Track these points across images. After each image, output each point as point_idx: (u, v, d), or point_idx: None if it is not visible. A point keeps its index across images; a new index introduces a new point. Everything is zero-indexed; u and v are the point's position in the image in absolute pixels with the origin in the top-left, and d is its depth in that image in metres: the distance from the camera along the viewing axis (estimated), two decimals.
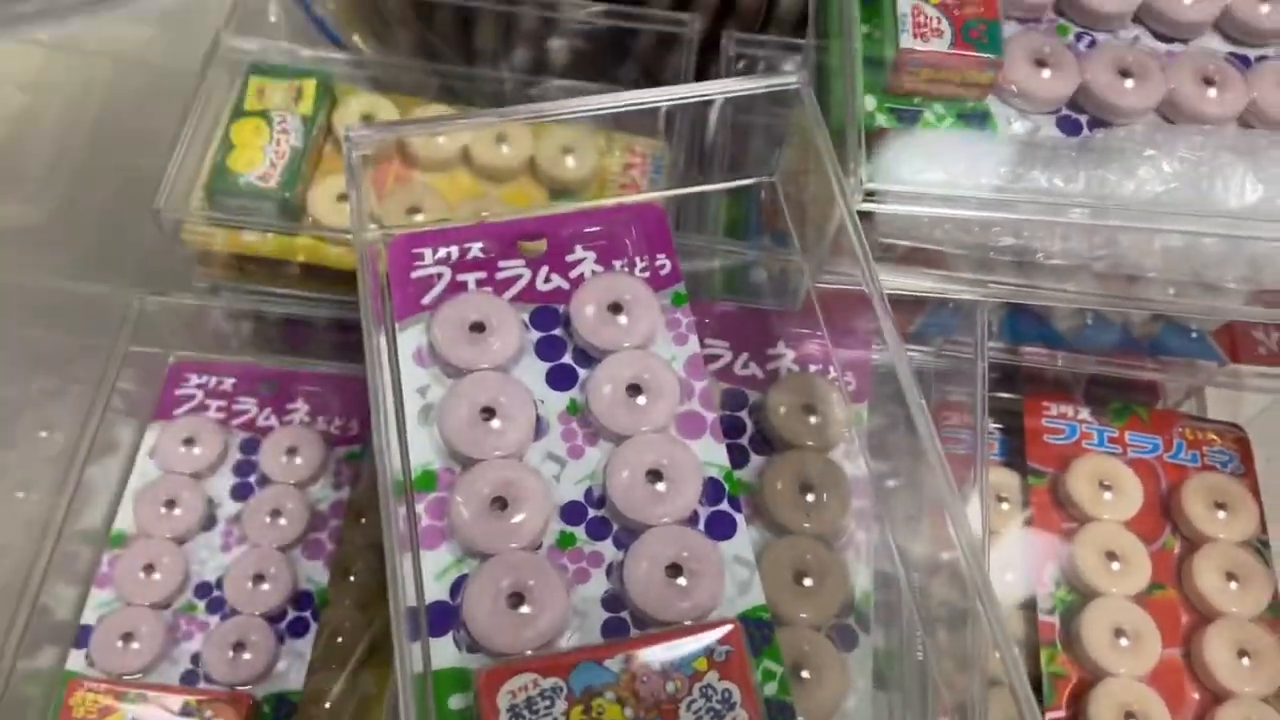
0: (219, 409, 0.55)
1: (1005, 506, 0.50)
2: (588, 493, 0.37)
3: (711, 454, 0.38)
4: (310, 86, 0.54)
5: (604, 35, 0.63)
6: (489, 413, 0.37)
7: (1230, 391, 0.53)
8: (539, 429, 0.38)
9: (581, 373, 0.39)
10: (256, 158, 0.51)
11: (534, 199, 0.55)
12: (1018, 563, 0.48)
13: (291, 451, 0.53)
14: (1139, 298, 0.43)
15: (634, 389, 0.38)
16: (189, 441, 0.53)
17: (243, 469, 0.53)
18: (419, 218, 0.51)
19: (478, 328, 0.38)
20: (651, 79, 0.66)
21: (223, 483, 0.53)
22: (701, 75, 0.61)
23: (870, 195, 0.38)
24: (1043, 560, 0.48)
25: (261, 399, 0.56)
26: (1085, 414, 0.52)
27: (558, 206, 0.44)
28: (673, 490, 0.36)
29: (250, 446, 0.54)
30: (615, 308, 0.39)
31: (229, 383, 0.56)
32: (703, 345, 0.44)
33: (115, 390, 0.54)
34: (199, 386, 0.56)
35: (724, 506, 0.37)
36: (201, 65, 0.55)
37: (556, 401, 0.38)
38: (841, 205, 0.37)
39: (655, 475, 0.36)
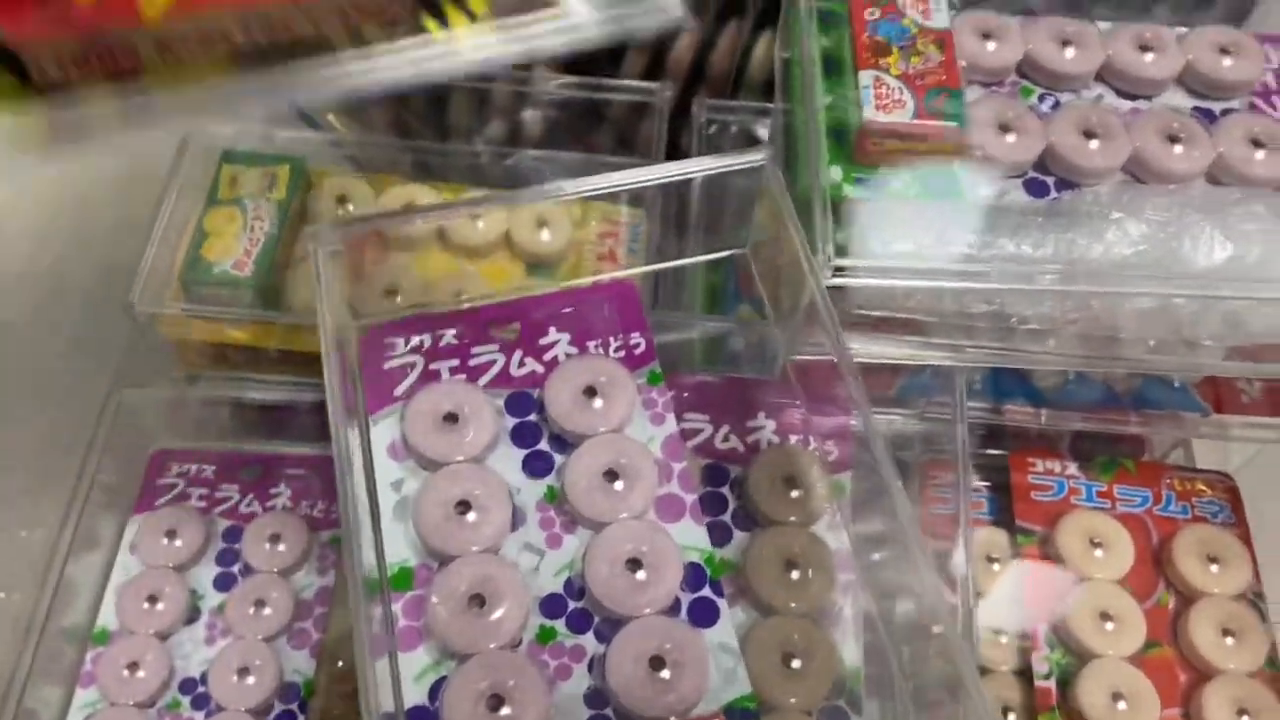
0: (201, 497, 0.55)
1: (995, 567, 0.49)
2: (567, 584, 0.36)
3: (691, 537, 0.37)
4: (284, 172, 0.54)
5: (578, 104, 0.63)
6: (464, 506, 0.36)
7: None
8: (516, 519, 0.37)
9: (558, 459, 0.39)
10: (231, 246, 0.51)
11: (511, 274, 0.55)
12: (1010, 625, 0.47)
13: (274, 539, 0.53)
14: (1118, 356, 0.43)
15: (611, 474, 0.37)
16: (170, 533, 0.53)
17: (225, 558, 0.53)
18: (397, 299, 0.51)
19: (451, 418, 0.38)
20: (625, 145, 0.66)
21: (206, 573, 0.52)
22: (675, 139, 0.62)
23: (839, 270, 0.38)
24: (1035, 622, 0.47)
25: (243, 485, 0.55)
26: (1073, 469, 0.51)
27: (530, 288, 0.44)
28: (654, 578, 0.35)
29: (233, 535, 0.53)
30: (590, 391, 0.39)
31: (210, 470, 0.55)
32: (682, 419, 0.44)
33: (96, 483, 0.53)
34: (180, 475, 0.55)
35: (706, 592, 0.36)
36: (175, 155, 0.55)
37: (533, 490, 0.38)
38: (811, 281, 0.37)
39: (635, 564, 0.36)
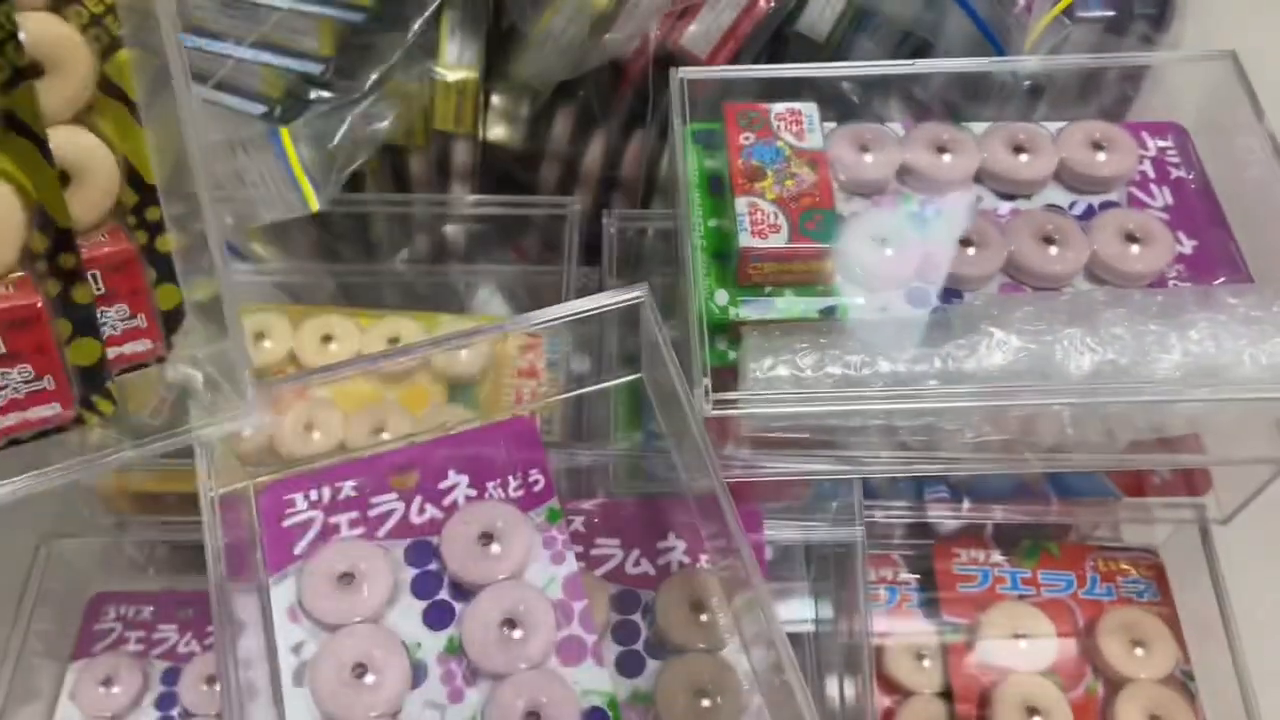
0: (138, 640, 0.55)
1: (926, 664, 0.49)
2: None
3: (593, 679, 0.37)
4: None
5: (498, 214, 0.64)
6: (361, 669, 0.36)
7: None
8: (417, 675, 0.37)
9: (458, 608, 0.39)
10: (147, 396, 0.52)
11: (432, 397, 0.55)
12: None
13: (211, 680, 0.53)
14: (1013, 458, 0.43)
15: (509, 623, 0.38)
16: (108, 681, 0.53)
17: (164, 702, 0.53)
18: (315, 435, 0.51)
19: (346, 578, 0.38)
20: (551, 247, 0.67)
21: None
22: (595, 244, 0.63)
23: (720, 403, 0.39)
24: (965, 719, 0.47)
25: (181, 624, 0.55)
26: (997, 556, 0.51)
27: (427, 432, 0.45)
28: None
29: (171, 677, 0.53)
30: (486, 537, 0.39)
31: (148, 611, 0.55)
32: (594, 544, 0.44)
33: (32, 632, 0.53)
34: (118, 619, 0.55)
35: None
36: None
37: (434, 642, 0.38)
38: (689, 415, 0.38)
39: (534, 716, 0.36)
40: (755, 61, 0.56)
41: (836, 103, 0.51)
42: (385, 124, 0.55)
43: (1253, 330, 0.39)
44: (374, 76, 0.53)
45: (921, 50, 0.54)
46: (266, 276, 0.65)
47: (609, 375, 0.52)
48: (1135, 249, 0.43)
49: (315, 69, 0.53)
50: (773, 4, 0.54)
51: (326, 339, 0.57)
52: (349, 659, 0.36)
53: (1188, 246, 0.44)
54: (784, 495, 0.48)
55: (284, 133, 0.53)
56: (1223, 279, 0.43)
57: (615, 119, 0.59)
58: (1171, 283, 0.43)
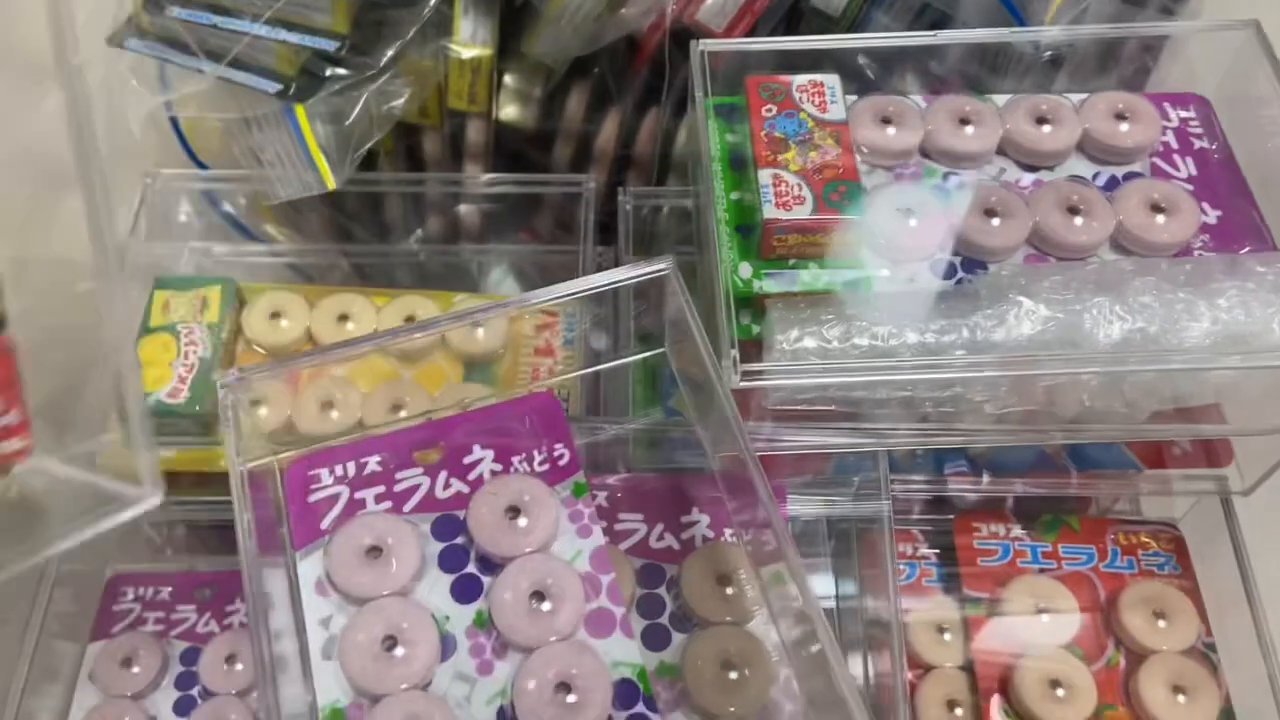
0: (157, 620, 0.55)
1: (948, 637, 0.49)
2: (500, 712, 0.36)
3: (622, 651, 0.37)
4: (214, 294, 0.54)
5: (512, 195, 0.64)
6: (391, 641, 0.36)
7: None
8: (446, 648, 0.37)
9: (486, 581, 0.39)
10: (165, 374, 0.52)
11: (448, 375, 0.55)
12: (965, 699, 0.47)
13: (230, 659, 0.52)
14: (1037, 429, 0.43)
15: (538, 596, 0.37)
16: (127, 661, 0.53)
17: (184, 681, 0.53)
18: (333, 414, 0.51)
19: (374, 551, 0.38)
20: (564, 227, 0.67)
21: (165, 699, 0.52)
22: (609, 223, 0.63)
23: (747, 374, 0.39)
24: (988, 693, 0.47)
25: (200, 605, 0.55)
26: (1017, 530, 0.51)
27: (464, 397, 0.45)
28: (584, 701, 0.36)
29: (190, 657, 0.53)
30: (513, 511, 0.39)
31: (166, 592, 0.55)
32: (617, 519, 0.44)
33: (50, 614, 0.53)
34: (136, 599, 0.55)
35: (639, 709, 0.36)
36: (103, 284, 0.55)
37: (463, 615, 0.38)
38: (717, 388, 0.37)
39: (565, 688, 0.36)
40: (771, 36, 0.56)
41: (853, 78, 0.51)
42: (400, 101, 0.54)
43: None
44: (389, 54, 0.53)
45: (939, 24, 0.54)
46: (279, 258, 0.65)
47: (626, 352, 0.52)
48: (1161, 219, 0.43)
49: (330, 46, 0.52)
50: None
51: (343, 318, 0.57)
52: (379, 632, 0.36)
53: (1212, 217, 0.44)
54: (806, 469, 0.48)
55: (300, 111, 0.52)
56: (1248, 249, 0.43)
57: (630, 95, 0.59)
58: (1197, 253, 0.43)
